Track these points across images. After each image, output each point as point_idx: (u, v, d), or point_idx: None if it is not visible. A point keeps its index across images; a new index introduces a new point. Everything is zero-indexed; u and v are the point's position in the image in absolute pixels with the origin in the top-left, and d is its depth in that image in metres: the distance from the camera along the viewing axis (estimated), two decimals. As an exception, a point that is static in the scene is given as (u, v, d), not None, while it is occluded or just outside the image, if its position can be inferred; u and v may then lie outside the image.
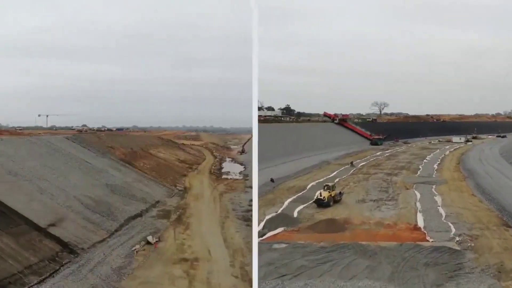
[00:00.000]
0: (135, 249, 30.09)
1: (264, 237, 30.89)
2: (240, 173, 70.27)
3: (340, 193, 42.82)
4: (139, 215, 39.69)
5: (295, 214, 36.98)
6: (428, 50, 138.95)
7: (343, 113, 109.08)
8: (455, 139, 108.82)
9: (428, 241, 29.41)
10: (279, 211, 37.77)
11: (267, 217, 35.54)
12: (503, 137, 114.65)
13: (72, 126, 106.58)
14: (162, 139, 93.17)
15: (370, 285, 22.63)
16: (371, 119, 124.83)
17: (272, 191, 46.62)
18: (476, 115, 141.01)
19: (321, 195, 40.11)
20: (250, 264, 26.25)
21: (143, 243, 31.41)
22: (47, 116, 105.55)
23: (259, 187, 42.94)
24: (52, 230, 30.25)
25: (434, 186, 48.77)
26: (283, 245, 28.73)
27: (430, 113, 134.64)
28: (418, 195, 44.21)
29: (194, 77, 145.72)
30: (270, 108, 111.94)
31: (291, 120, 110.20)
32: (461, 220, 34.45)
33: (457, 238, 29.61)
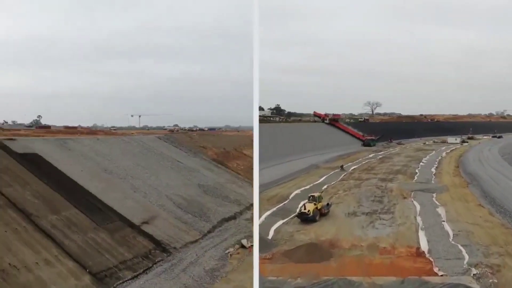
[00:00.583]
0: (228, 252, 29.25)
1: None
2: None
3: (327, 204, 36.86)
4: (233, 217, 39.17)
5: (270, 234, 30.52)
6: (428, 50, 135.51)
7: (336, 113, 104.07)
8: (451, 139, 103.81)
9: (436, 274, 22.94)
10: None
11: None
12: (499, 137, 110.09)
13: (164, 126, 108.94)
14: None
15: None
16: (363, 119, 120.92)
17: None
18: (470, 115, 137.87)
19: (305, 208, 34.02)
20: None
21: (237, 246, 30.36)
22: (139, 116, 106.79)
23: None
24: (145, 228, 30.83)
25: (434, 195, 42.83)
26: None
27: (424, 112, 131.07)
28: (418, 207, 38.11)
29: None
30: (259, 108, 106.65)
31: (280, 120, 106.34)
32: (473, 241, 28.14)
33: (474, 271, 23.15)
